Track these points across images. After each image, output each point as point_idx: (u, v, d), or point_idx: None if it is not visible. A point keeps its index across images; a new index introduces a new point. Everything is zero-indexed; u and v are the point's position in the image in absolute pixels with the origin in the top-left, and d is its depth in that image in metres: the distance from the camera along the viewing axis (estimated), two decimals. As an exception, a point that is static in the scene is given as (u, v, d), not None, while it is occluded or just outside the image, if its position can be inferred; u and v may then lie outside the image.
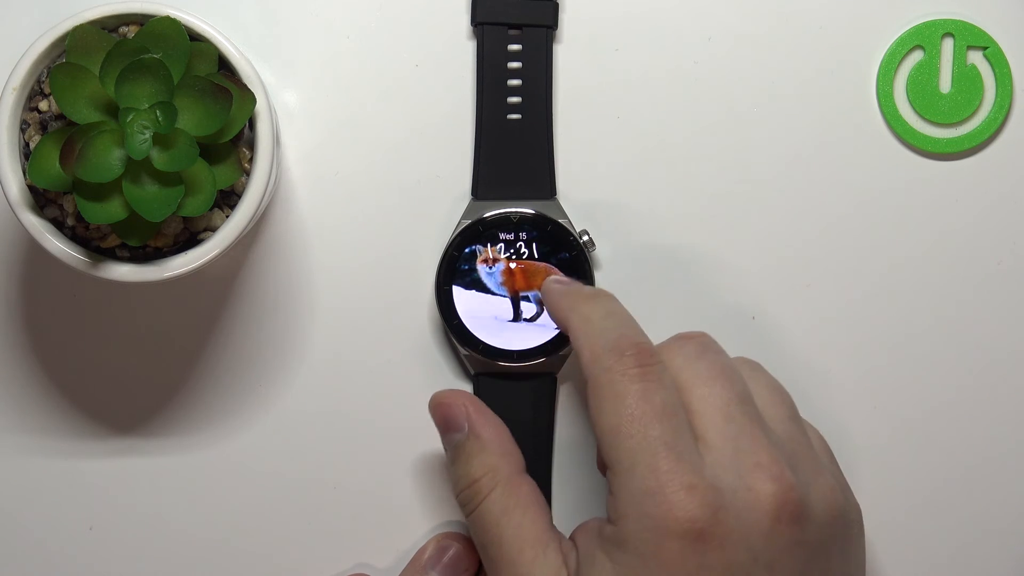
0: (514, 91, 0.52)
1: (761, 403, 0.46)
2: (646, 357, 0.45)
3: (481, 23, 0.52)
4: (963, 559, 0.54)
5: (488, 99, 0.52)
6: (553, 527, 0.46)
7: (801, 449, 0.45)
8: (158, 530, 0.54)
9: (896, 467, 0.54)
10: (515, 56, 0.52)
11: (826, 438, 0.53)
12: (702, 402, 0.45)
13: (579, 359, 0.46)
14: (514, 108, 0.52)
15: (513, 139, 0.52)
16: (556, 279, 0.50)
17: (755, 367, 0.48)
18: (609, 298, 0.47)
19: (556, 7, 0.52)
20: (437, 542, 0.52)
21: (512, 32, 0.52)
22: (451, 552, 0.52)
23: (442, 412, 0.48)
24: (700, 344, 0.46)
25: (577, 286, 0.49)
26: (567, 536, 0.46)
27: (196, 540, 0.54)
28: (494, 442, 0.47)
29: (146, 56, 0.45)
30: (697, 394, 0.45)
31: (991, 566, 0.54)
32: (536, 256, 0.52)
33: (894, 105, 0.53)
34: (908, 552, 0.54)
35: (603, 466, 0.45)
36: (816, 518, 0.44)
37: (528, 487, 0.47)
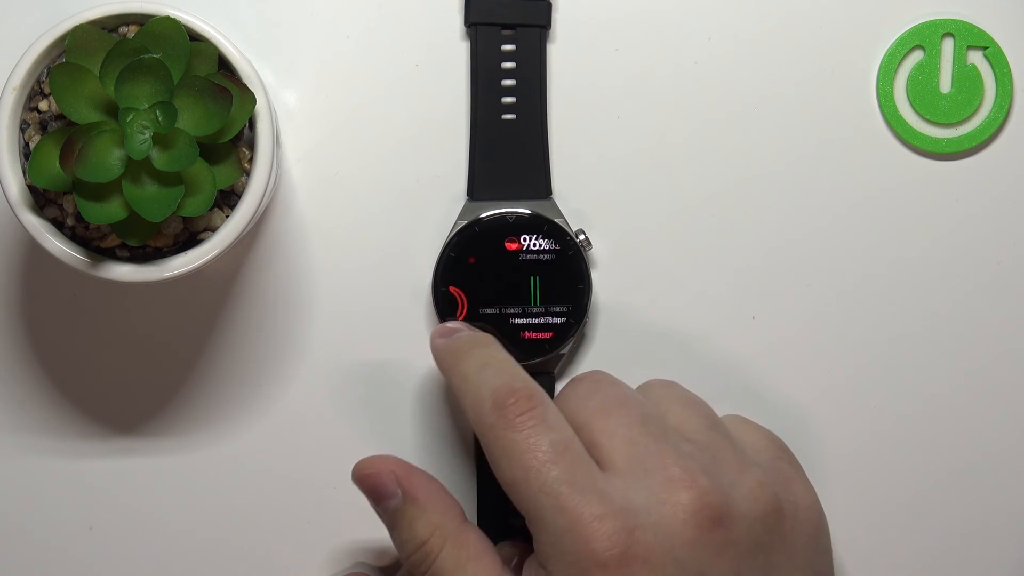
0: (508, 91, 0.52)
1: (675, 419, 0.46)
2: (524, 404, 0.45)
3: (474, 23, 0.52)
4: (963, 559, 0.54)
5: (482, 99, 0.52)
6: (504, 569, 0.46)
7: (721, 454, 0.46)
8: (158, 530, 0.54)
9: (896, 467, 0.54)
10: (509, 56, 0.52)
11: (825, 438, 0.53)
12: (602, 435, 0.45)
13: (468, 418, 0.46)
14: (509, 108, 0.52)
15: (508, 139, 0.52)
16: (439, 332, 0.49)
17: (667, 384, 0.48)
18: (484, 346, 0.48)
19: (549, 7, 0.52)
20: None
21: (505, 32, 0.52)
22: None
23: (369, 482, 0.48)
24: (592, 382, 0.47)
25: (456, 338, 0.49)
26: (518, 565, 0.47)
27: (196, 540, 0.54)
28: (432, 500, 0.47)
29: (146, 56, 0.45)
30: (596, 428, 0.45)
31: (991, 566, 0.54)
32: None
33: (894, 105, 0.53)
34: (908, 551, 0.54)
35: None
36: (742, 517, 0.44)
37: (475, 536, 0.47)
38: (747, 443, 0.47)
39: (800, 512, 0.46)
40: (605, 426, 0.45)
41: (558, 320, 0.52)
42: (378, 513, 0.48)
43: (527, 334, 0.52)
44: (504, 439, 0.45)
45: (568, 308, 0.52)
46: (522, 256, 0.52)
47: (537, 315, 0.52)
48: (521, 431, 0.44)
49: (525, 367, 0.52)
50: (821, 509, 0.47)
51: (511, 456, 0.44)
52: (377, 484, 0.48)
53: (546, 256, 0.52)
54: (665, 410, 0.47)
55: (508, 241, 0.52)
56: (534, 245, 0.52)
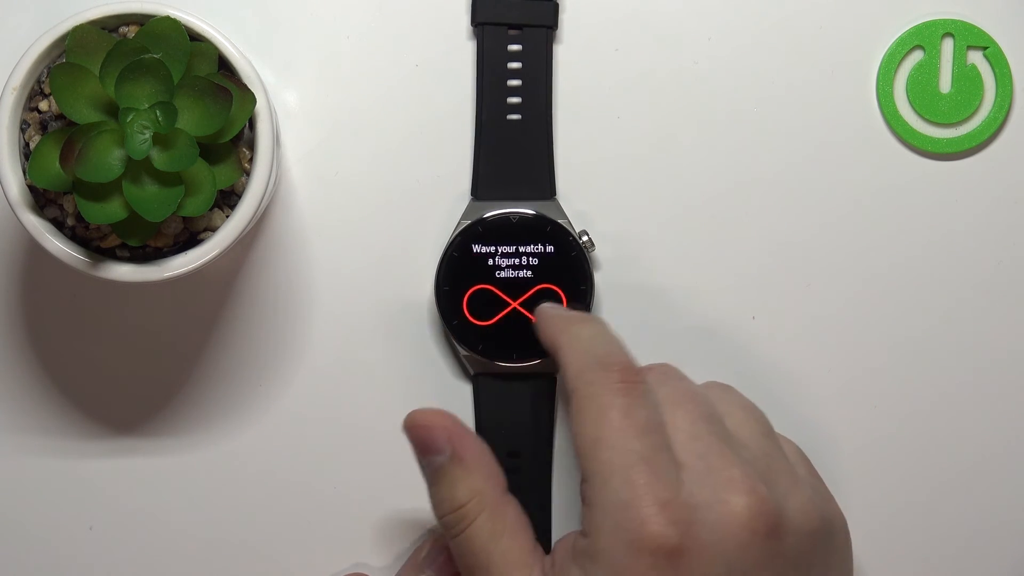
0: (514, 91, 0.52)
1: (733, 423, 0.46)
2: (631, 374, 0.45)
3: (481, 23, 0.52)
4: (963, 559, 0.54)
5: (488, 99, 0.52)
6: (537, 546, 0.46)
7: (776, 464, 0.46)
8: (158, 530, 0.54)
9: (896, 467, 0.54)
10: (515, 56, 0.52)
11: (825, 439, 0.53)
12: (669, 425, 0.45)
13: (564, 373, 0.46)
14: (514, 108, 0.52)
15: (513, 139, 0.52)
16: (550, 304, 0.50)
17: (726, 389, 0.48)
18: (600, 322, 0.48)
19: (556, 7, 0.52)
20: (434, 541, 0.52)
21: (512, 32, 0.52)
22: (449, 551, 0.52)
23: (420, 434, 0.47)
24: (662, 372, 0.47)
25: (570, 311, 0.49)
26: (547, 554, 0.46)
27: (196, 540, 0.54)
28: (479, 464, 0.47)
29: (146, 56, 0.45)
30: (663, 418, 0.45)
31: (991, 566, 0.54)
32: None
33: (894, 105, 0.53)
34: (908, 552, 0.54)
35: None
36: (793, 530, 0.44)
37: (513, 509, 0.47)
38: (790, 458, 0.47)
39: (836, 532, 0.46)
40: (672, 417, 0.45)
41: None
42: (421, 466, 0.47)
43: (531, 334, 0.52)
44: (602, 397, 0.44)
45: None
46: (525, 257, 0.52)
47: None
48: (622, 397, 0.44)
49: (527, 368, 0.52)
50: (848, 530, 0.47)
51: (604, 414, 0.44)
52: (428, 437, 0.47)
53: (549, 257, 0.52)
54: (725, 413, 0.46)
55: (512, 242, 0.52)
56: (538, 246, 0.52)
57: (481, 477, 0.46)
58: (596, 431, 0.44)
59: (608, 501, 0.43)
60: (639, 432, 0.44)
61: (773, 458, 0.46)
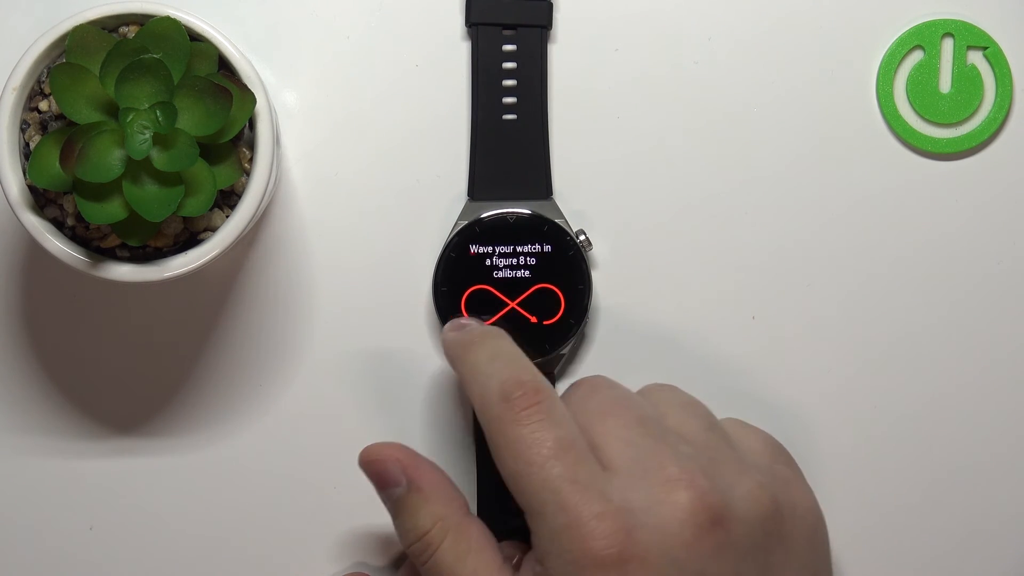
0: (509, 91, 0.52)
1: (674, 421, 0.46)
2: (532, 397, 0.45)
3: (475, 24, 0.52)
4: (962, 559, 0.54)
5: (483, 100, 0.52)
6: (504, 565, 0.46)
7: (719, 455, 0.46)
8: (158, 530, 0.54)
9: (896, 467, 0.54)
10: (510, 56, 0.52)
11: (825, 438, 0.53)
12: (601, 436, 0.45)
13: (473, 409, 0.46)
14: (509, 108, 0.52)
15: (509, 139, 0.52)
16: (451, 326, 0.49)
17: (664, 388, 0.48)
18: (495, 338, 0.48)
19: (550, 7, 0.52)
20: None
21: (506, 32, 0.52)
22: None
23: (376, 468, 0.48)
24: (589, 386, 0.47)
25: (467, 330, 0.49)
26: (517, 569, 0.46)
27: (196, 540, 0.54)
28: (437, 491, 0.47)
29: (146, 56, 0.45)
30: (595, 431, 0.45)
31: (991, 566, 0.54)
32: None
33: (894, 105, 0.53)
34: (907, 551, 0.54)
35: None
36: (741, 519, 0.44)
37: (477, 529, 0.47)
38: (745, 446, 0.47)
39: (798, 514, 0.46)
40: (604, 427, 0.45)
41: (558, 320, 0.52)
42: (382, 499, 0.48)
43: (527, 334, 0.52)
44: (509, 432, 0.45)
45: (568, 308, 0.52)
46: (522, 257, 0.52)
47: (537, 315, 0.52)
48: (526, 425, 0.44)
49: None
50: (820, 511, 0.47)
51: (515, 449, 0.44)
52: (382, 471, 0.48)
53: (547, 257, 0.52)
54: (664, 412, 0.47)
55: (510, 241, 0.52)
56: (535, 246, 0.52)
57: (440, 503, 0.47)
58: (513, 466, 0.44)
59: (548, 528, 0.43)
60: (554, 455, 0.44)
61: (716, 450, 0.46)
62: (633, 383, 0.49)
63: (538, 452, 0.44)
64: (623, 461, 0.44)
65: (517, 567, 0.47)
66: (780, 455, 0.48)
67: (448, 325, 0.49)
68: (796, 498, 0.46)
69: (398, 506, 0.47)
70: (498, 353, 0.47)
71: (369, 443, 0.52)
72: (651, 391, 0.48)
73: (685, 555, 0.43)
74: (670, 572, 0.43)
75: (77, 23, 0.47)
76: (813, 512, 0.47)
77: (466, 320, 0.50)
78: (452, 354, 0.48)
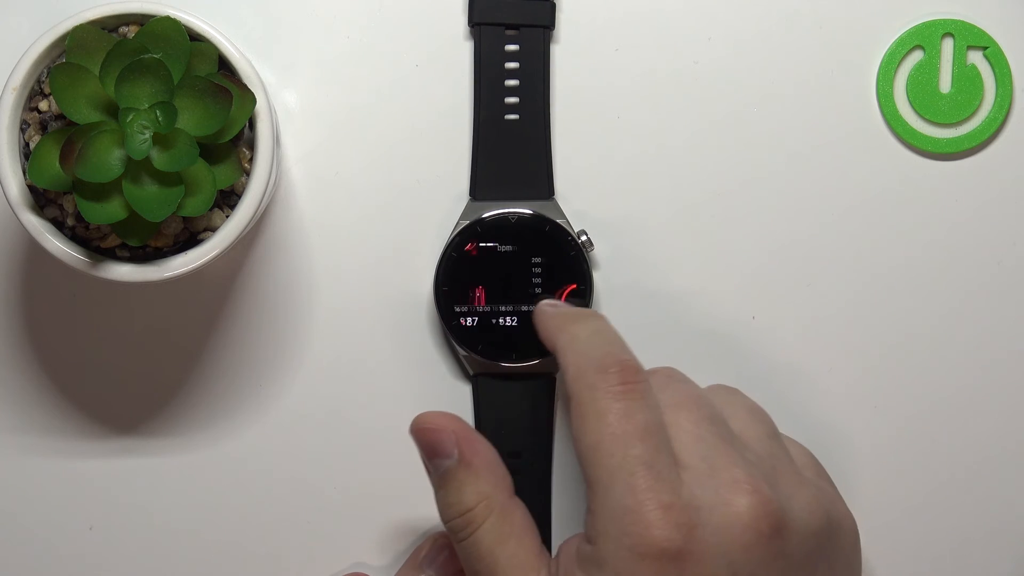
0: (511, 91, 0.52)
1: (738, 425, 0.46)
2: (630, 375, 0.45)
3: (478, 23, 0.52)
4: (963, 559, 0.54)
5: (485, 99, 0.52)
6: (543, 550, 0.46)
7: (781, 465, 0.46)
8: (158, 530, 0.54)
9: (896, 467, 0.54)
10: (512, 56, 0.52)
11: (826, 439, 0.53)
12: (673, 429, 0.45)
13: (564, 376, 0.46)
14: (512, 108, 0.52)
15: (511, 139, 0.52)
16: (549, 302, 0.50)
17: (731, 391, 0.48)
18: (598, 318, 0.48)
19: (553, 7, 0.52)
20: (433, 541, 0.52)
21: (509, 32, 0.52)
22: (447, 551, 0.52)
23: (428, 437, 0.47)
24: (665, 375, 0.47)
25: (568, 308, 0.49)
26: (554, 556, 0.46)
27: (196, 540, 0.54)
28: (486, 469, 0.46)
29: (146, 56, 0.45)
30: (667, 421, 0.45)
31: (991, 566, 0.54)
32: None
33: (894, 105, 0.53)
34: (908, 552, 0.54)
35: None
36: (798, 530, 0.44)
37: (520, 512, 0.46)
38: (796, 459, 0.47)
39: (843, 532, 0.46)
40: (675, 419, 0.45)
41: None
42: (428, 469, 0.47)
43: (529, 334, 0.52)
44: (600, 402, 0.44)
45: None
46: (524, 256, 0.52)
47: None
48: (620, 400, 0.44)
49: (527, 368, 0.52)
50: (857, 531, 0.47)
51: (602, 418, 0.44)
52: (435, 440, 0.47)
53: (548, 257, 0.52)
54: (729, 415, 0.46)
55: (511, 242, 0.52)
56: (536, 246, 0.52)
57: (489, 481, 0.46)
58: (596, 436, 0.44)
59: (611, 507, 0.43)
60: (639, 436, 0.44)
61: (778, 459, 0.46)
62: (633, 383, 0.49)
63: (624, 428, 0.43)
64: (692, 457, 0.44)
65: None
66: (822, 471, 0.48)
67: (544, 302, 0.49)
68: (842, 516, 0.46)
69: (445, 478, 0.46)
70: (601, 330, 0.47)
71: (368, 444, 0.53)
72: (717, 392, 0.48)
73: (741, 559, 0.43)
74: (723, 573, 0.43)
75: (77, 23, 0.47)
76: (854, 532, 0.47)
77: (559, 302, 0.50)
78: (552, 324, 0.47)
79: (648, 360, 0.53)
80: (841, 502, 0.47)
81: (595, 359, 0.45)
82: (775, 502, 0.43)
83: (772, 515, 0.43)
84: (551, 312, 0.48)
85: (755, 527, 0.43)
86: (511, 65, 0.52)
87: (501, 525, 0.46)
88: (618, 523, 0.43)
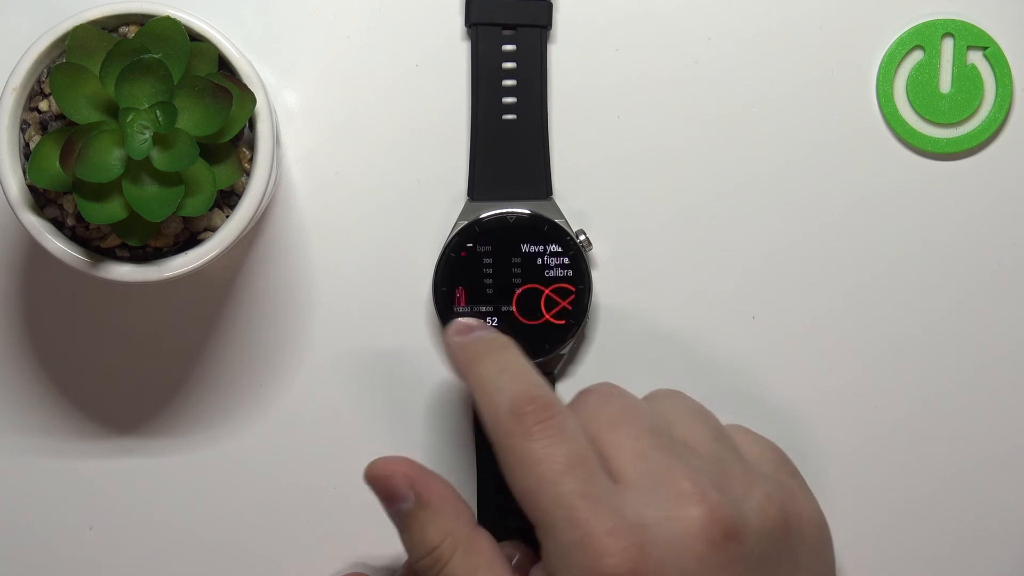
0: (509, 91, 0.52)
1: (681, 430, 0.46)
2: (543, 412, 0.44)
3: (475, 24, 0.52)
4: (962, 559, 0.54)
5: (483, 100, 0.52)
6: None
7: (729, 466, 0.45)
8: (158, 530, 0.54)
9: (896, 467, 0.54)
10: (509, 56, 0.52)
11: (825, 439, 0.53)
12: (612, 447, 0.45)
13: (480, 420, 0.46)
14: (509, 108, 0.52)
15: (509, 139, 0.52)
16: (455, 328, 0.48)
17: (672, 395, 0.48)
18: (503, 349, 0.47)
19: (550, 7, 0.52)
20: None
21: (506, 32, 0.52)
22: None
23: (382, 484, 0.47)
24: (600, 395, 0.47)
25: (472, 339, 0.48)
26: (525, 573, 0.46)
27: (196, 540, 0.54)
28: (444, 505, 0.46)
29: (146, 56, 0.46)
30: (606, 441, 0.45)
31: (990, 566, 0.54)
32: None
33: (894, 105, 0.53)
34: (907, 552, 0.54)
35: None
36: (752, 531, 0.44)
37: (486, 542, 0.46)
38: (751, 455, 0.47)
39: (805, 524, 0.46)
40: (614, 439, 0.45)
41: (558, 321, 0.52)
42: (389, 515, 0.48)
43: (527, 334, 0.52)
44: (520, 447, 0.44)
45: (568, 308, 0.52)
46: (522, 256, 0.52)
47: (537, 316, 0.52)
48: (538, 441, 0.44)
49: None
50: (824, 520, 0.47)
51: (526, 465, 0.44)
52: (390, 486, 0.47)
53: (546, 256, 0.52)
54: (672, 421, 0.46)
55: (509, 241, 0.52)
56: (535, 246, 0.52)
57: (449, 517, 0.46)
58: (525, 482, 0.44)
59: (559, 544, 0.43)
60: (566, 470, 0.43)
61: (726, 461, 0.45)
62: (633, 383, 0.49)
63: (549, 468, 0.43)
64: (634, 475, 0.44)
65: (518, 568, 0.47)
66: (784, 464, 0.48)
67: (451, 327, 0.48)
68: (802, 508, 0.46)
69: (406, 521, 0.47)
70: (507, 366, 0.46)
71: (368, 444, 0.52)
72: (658, 397, 0.48)
73: (698, 569, 0.43)
74: None
75: (77, 23, 0.47)
76: (818, 522, 0.47)
77: (470, 321, 0.49)
78: (459, 363, 0.47)
79: (648, 361, 0.53)
80: (803, 493, 0.47)
81: (506, 403, 0.45)
82: (725, 507, 0.43)
83: (722, 520, 0.43)
84: (457, 346, 0.48)
85: (706, 536, 0.43)
86: (508, 65, 0.52)
87: (468, 558, 0.46)
88: (569, 558, 0.43)
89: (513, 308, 0.52)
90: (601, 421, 0.45)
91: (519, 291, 0.52)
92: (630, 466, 0.44)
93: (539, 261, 0.52)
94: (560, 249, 0.52)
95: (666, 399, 0.48)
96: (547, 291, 0.52)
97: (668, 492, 0.43)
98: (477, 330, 0.48)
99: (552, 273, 0.52)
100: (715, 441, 0.46)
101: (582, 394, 0.47)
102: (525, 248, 0.52)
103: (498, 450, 0.45)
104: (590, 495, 0.43)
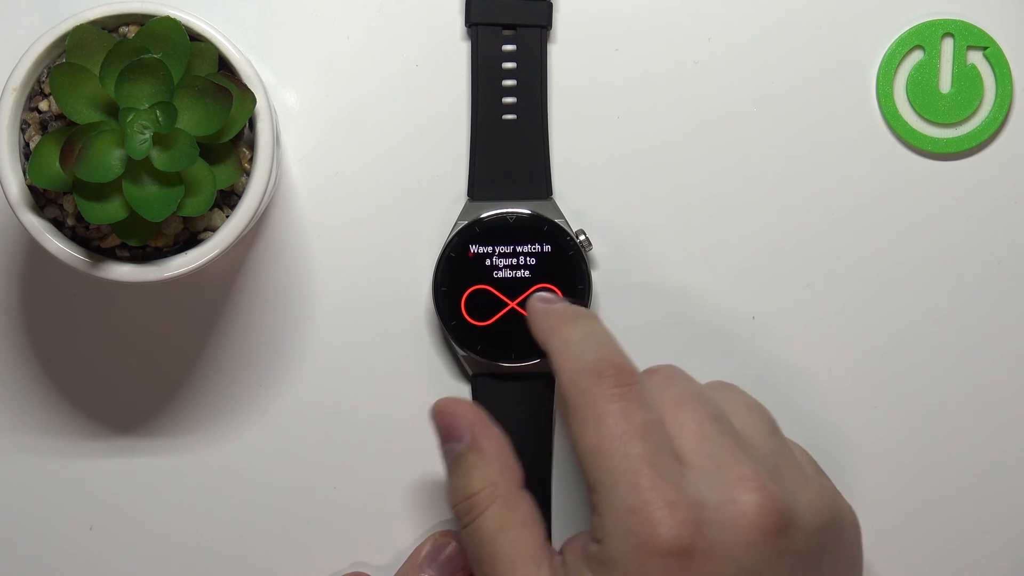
0: (509, 91, 0.52)
1: (739, 422, 0.46)
2: (625, 377, 0.45)
3: (475, 24, 0.52)
4: (962, 559, 0.54)
5: (483, 100, 0.52)
6: (547, 544, 0.46)
7: (784, 461, 0.46)
8: (158, 530, 0.54)
9: (896, 467, 0.54)
10: (509, 56, 0.52)
11: (826, 438, 0.53)
12: (675, 426, 0.45)
13: (558, 381, 0.46)
14: (509, 108, 0.52)
15: (508, 139, 0.52)
16: (540, 296, 0.49)
17: (731, 388, 0.48)
18: (590, 319, 0.47)
19: (550, 7, 0.52)
20: (434, 540, 0.52)
21: (506, 32, 0.52)
22: (448, 550, 0.52)
23: (444, 421, 0.48)
24: (666, 375, 0.47)
25: (560, 306, 0.49)
26: (558, 551, 0.46)
27: (196, 540, 0.54)
28: (495, 455, 0.47)
29: (146, 56, 0.46)
30: (669, 419, 0.45)
31: (990, 566, 0.54)
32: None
33: (894, 105, 0.53)
34: (908, 552, 0.54)
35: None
36: (804, 526, 0.44)
37: (526, 504, 0.46)
38: (797, 455, 0.47)
39: (846, 526, 0.46)
40: (678, 419, 0.45)
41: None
42: (443, 453, 0.48)
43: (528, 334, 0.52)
44: (597, 405, 0.44)
45: (563, 301, 0.52)
46: (522, 257, 0.52)
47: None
48: (616, 403, 0.44)
49: (526, 368, 0.52)
50: (859, 524, 0.47)
51: (599, 422, 0.44)
52: (450, 423, 0.47)
53: (546, 256, 0.52)
54: (730, 412, 0.46)
55: (509, 242, 0.52)
56: (535, 246, 0.52)
57: (496, 468, 0.46)
58: (595, 440, 0.44)
59: (616, 508, 0.43)
60: (639, 435, 0.44)
61: (781, 456, 0.46)
62: (633, 383, 0.49)
63: (624, 429, 0.43)
64: (697, 455, 0.44)
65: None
66: (820, 469, 0.48)
67: (536, 296, 0.49)
68: (844, 510, 0.47)
69: (456, 462, 0.47)
70: (593, 332, 0.47)
71: (368, 443, 0.53)
72: (717, 388, 0.48)
73: (748, 556, 0.43)
74: (730, 571, 0.43)
75: (77, 23, 0.47)
76: (856, 525, 0.47)
77: (552, 296, 0.50)
78: (544, 325, 0.48)
79: (647, 360, 0.53)
80: (841, 497, 0.47)
81: (588, 363, 0.45)
82: (781, 499, 0.43)
83: (778, 512, 0.43)
84: (542, 310, 0.48)
85: (761, 524, 0.43)
86: (508, 65, 0.52)
87: (505, 513, 0.46)
88: (624, 522, 0.43)
89: (513, 308, 0.52)
90: (665, 400, 0.45)
91: (519, 291, 0.52)
92: (692, 447, 0.44)
93: (539, 261, 0.52)
94: (560, 249, 0.52)
95: (725, 390, 0.48)
96: (548, 292, 0.52)
97: (728, 476, 0.44)
98: (560, 300, 0.49)
99: (552, 273, 0.52)
100: (771, 435, 0.46)
101: (647, 372, 0.47)
102: (525, 248, 0.52)
103: (572, 408, 0.45)
104: (657, 465, 0.43)
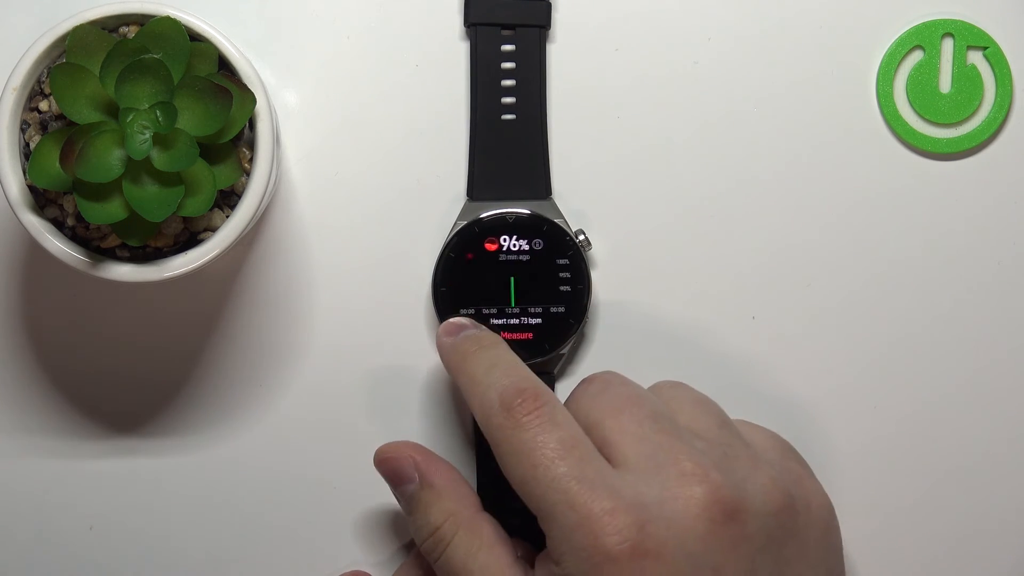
0: (508, 91, 0.52)
1: (686, 418, 0.47)
2: (532, 402, 0.45)
3: (474, 24, 0.52)
4: (962, 558, 0.54)
5: (482, 100, 0.52)
6: (517, 561, 0.47)
7: (733, 451, 0.46)
8: (158, 530, 0.54)
9: (896, 467, 0.54)
10: (508, 56, 0.52)
11: (826, 438, 0.53)
12: (613, 432, 0.45)
13: (476, 421, 0.47)
14: (508, 108, 0.52)
15: (508, 139, 0.52)
16: (445, 329, 0.49)
17: (676, 385, 0.48)
18: (491, 347, 0.48)
19: (549, 7, 0.52)
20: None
21: (505, 32, 0.52)
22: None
23: (389, 466, 0.49)
24: (602, 382, 0.47)
25: (461, 339, 0.49)
26: (532, 567, 0.46)
27: (196, 540, 0.54)
28: (448, 487, 0.48)
29: (146, 56, 0.46)
30: (607, 426, 0.45)
31: (990, 566, 0.54)
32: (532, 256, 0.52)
33: (894, 105, 0.53)
34: (906, 552, 0.54)
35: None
36: (755, 512, 0.44)
37: (489, 525, 0.47)
38: (755, 442, 0.48)
39: (812, 509, 0.46)
40: (616, 423, 0.45)
41: (558, 320, 0.52)
42: (396, 497, 0.49)
43: (528, 334, 0.52)
44: (512, 439, 0.45)
45: (568, 308, 0.52)
46: (522, 256, 0.52)
47: (537, 315, 0.52)
48: (529, 430, 0.45)
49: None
50: (831, 506, 0.47)
51: (520, 455, 0.45)
52: (396, 468, 0.49)
53: (545, 256, 0.52)
54: (676, 409, 0.47)
55: (507, 241, 0.52)
56: (534, 245, 0.52)
57: (452, 499, 0.47)
58: (520, 471, 0.45)
59: (561, 528, 0.44)
60: (558, 456, 0.44)
61: (729, 446, 0.46)
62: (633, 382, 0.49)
63: (542, 454, 0.44)
64: (635, 457, 0.44)
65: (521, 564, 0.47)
66: (790, 453, 0.48)
67: (442, 328, 0.49)
68: (809, 493, 0.47)
69: (411, 503, 0.48)
70: (495, 362, 0.47)
71: (368, 443, 0.52)
72: (662, 388, 0.48)
73: (700, 549, 0.43)
74: (685, 566, 0.43)
75: (77, 23, 0.47)
76: (825, 508, 0.47)
77: (460, 321, 0.50)
78: (449, 364, 0.49)
79: (647, 359, 0.53)
80: (810, 479, 0.47)
81: (496, 398, 0.46)
82: (726, 488, 0.44)
83: (724, 500, 0.43)
84: (447, 347, 0.49)
85: (708, 515, 0.43)
86: (507, 65, 0.52)
87: (470, 539, 0.47)
88: (570, 541, 0.43)
89: (513, 307, 0.52)
90: (602, 406, 0.46)
91: (518, 291, 0.52)
92: (631, 449, 0.45)
93: (538, 261, 0.52)
94: (560, 249, 0.52)
95: (670, 389, 0.48)
96: (547, 290, 0.52)
97: (669, 473, 0.44)
98: (467, 329, 0.49)
99: (552, 273, 0.52)
100: (719, 428, 0.47)
101: (584, 381, 0.48)
102: (524, 248, 0.52)
103: (493, 445, 0.46)
104: (585, 478, 0.44)
